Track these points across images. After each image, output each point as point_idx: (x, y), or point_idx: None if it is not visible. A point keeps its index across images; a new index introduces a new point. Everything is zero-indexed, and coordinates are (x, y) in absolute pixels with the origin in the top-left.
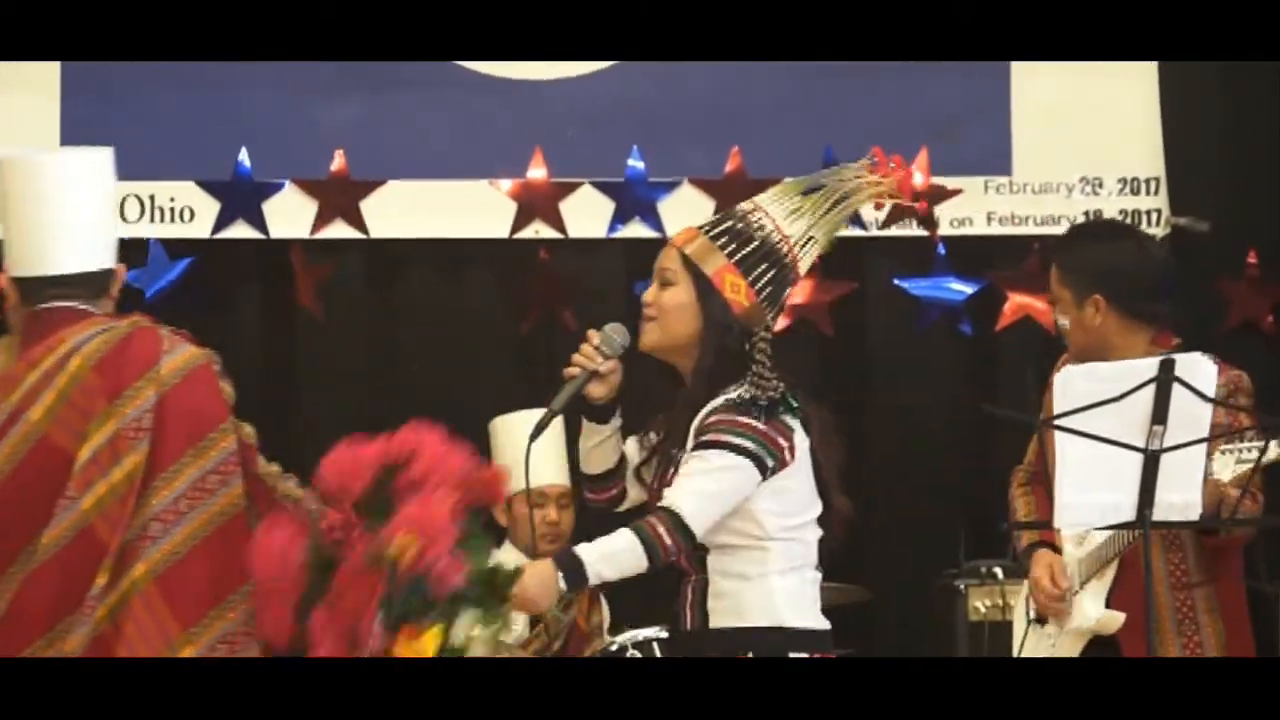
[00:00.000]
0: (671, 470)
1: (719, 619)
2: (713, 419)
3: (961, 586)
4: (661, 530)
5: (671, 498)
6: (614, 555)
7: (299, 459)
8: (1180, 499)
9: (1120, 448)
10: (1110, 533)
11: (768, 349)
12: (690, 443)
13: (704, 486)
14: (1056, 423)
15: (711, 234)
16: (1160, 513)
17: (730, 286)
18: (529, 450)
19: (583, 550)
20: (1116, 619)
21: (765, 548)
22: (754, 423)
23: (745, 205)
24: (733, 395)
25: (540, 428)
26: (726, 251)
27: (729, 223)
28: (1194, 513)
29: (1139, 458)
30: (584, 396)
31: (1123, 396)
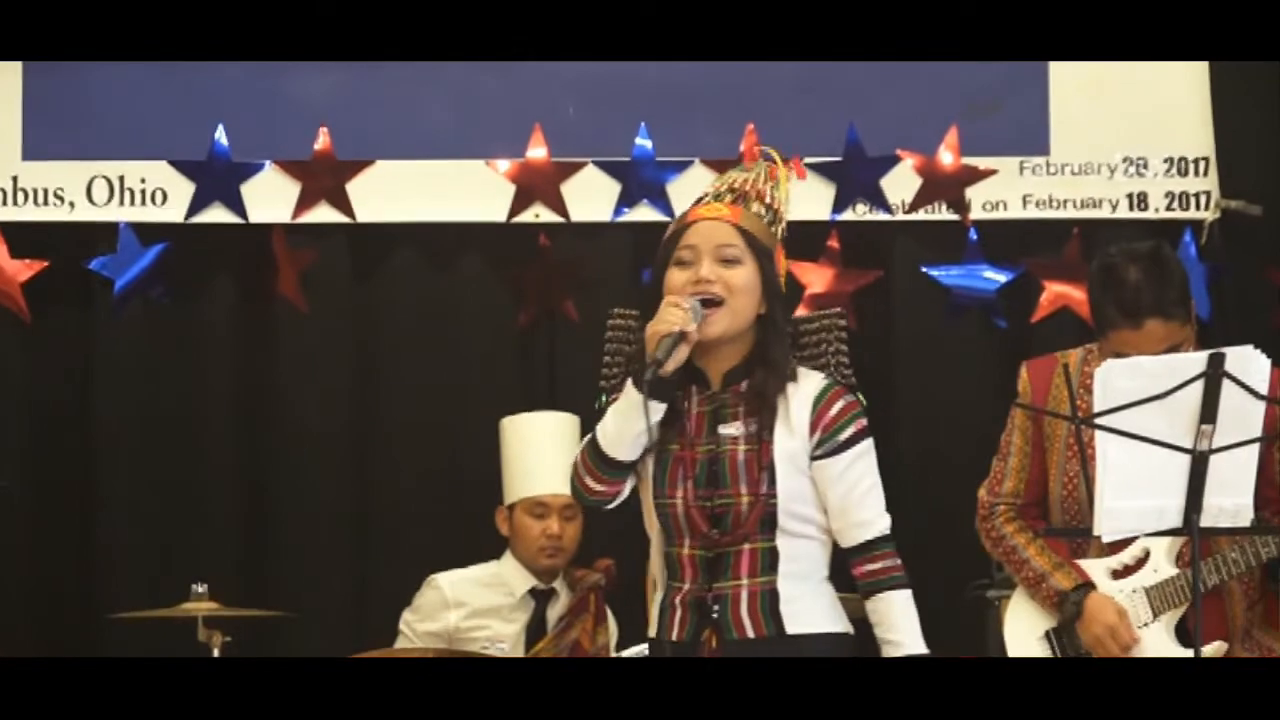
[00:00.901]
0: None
1: (795, 624)
2: (841, 407)
3: (993, 598)
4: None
5: (870, 518)
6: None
7: (282, 460)
8: (1231, 504)
9: (1166, 449)
10: (1174, 562)
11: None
12: (810, 437)
13: (879, 489)
14: (1098, 422)
15: (752, 208)
16: (1209, 518)
17: (780, 265)
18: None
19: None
20: (1219, 651)
21: (824, 541)
22: (861, 401)
23: (741, 175)
24: (827, 380)
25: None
26: (769, 225)
27: (751, 193)
28: (1245, 518)
29: (1186, 459)
30: (648, 366)
31: (1168, 393)
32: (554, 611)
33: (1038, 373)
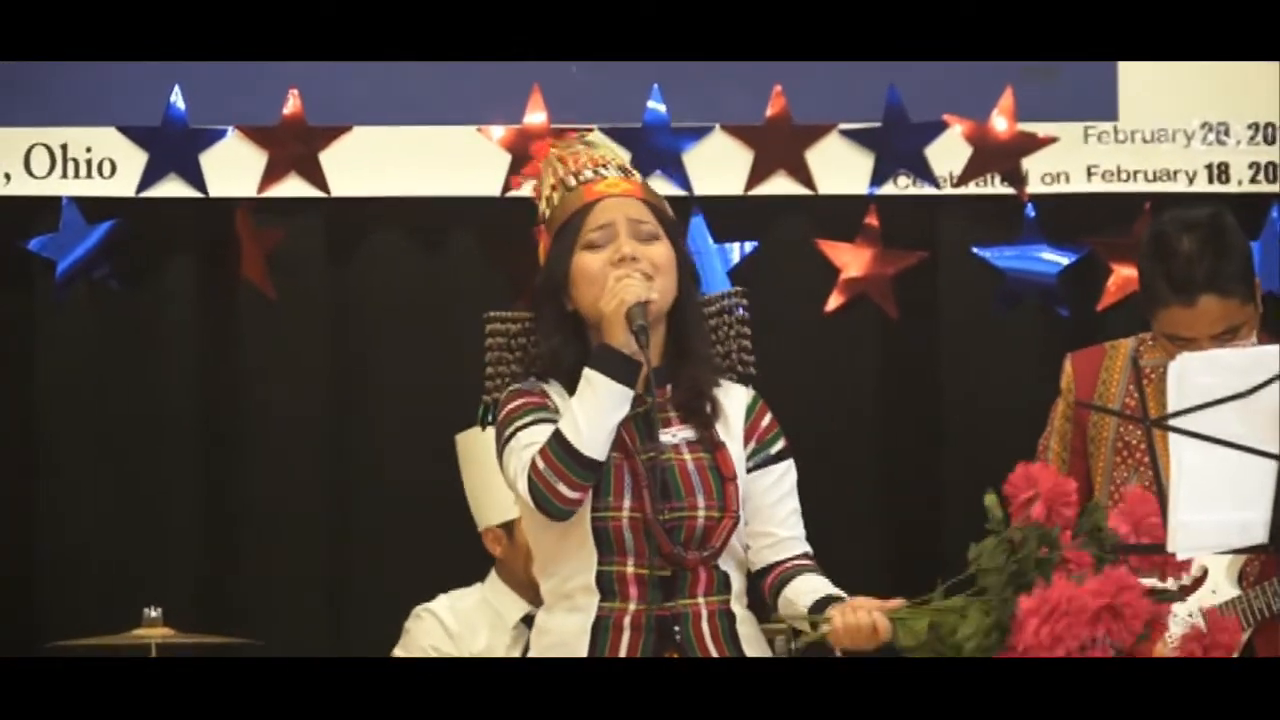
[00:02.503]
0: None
1: (750, 648)
2: (770, 417)
3: None
4: None
5: (799, 535)
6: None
7: (247, 467)
8: None
9: (1249, 454)
10: (1236, 582)
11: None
12: (745, 446)
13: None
14: (1171, 424)
15: (637, 175)
16: None
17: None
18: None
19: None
20: None
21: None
22: None
23: (599, 152)
24: (745, 393)
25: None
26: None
27: (628, 168)
28: None
29: (1273, 467)
30: (610, 348)
31: (1251, 392)
32: None
33: (1084, 366)
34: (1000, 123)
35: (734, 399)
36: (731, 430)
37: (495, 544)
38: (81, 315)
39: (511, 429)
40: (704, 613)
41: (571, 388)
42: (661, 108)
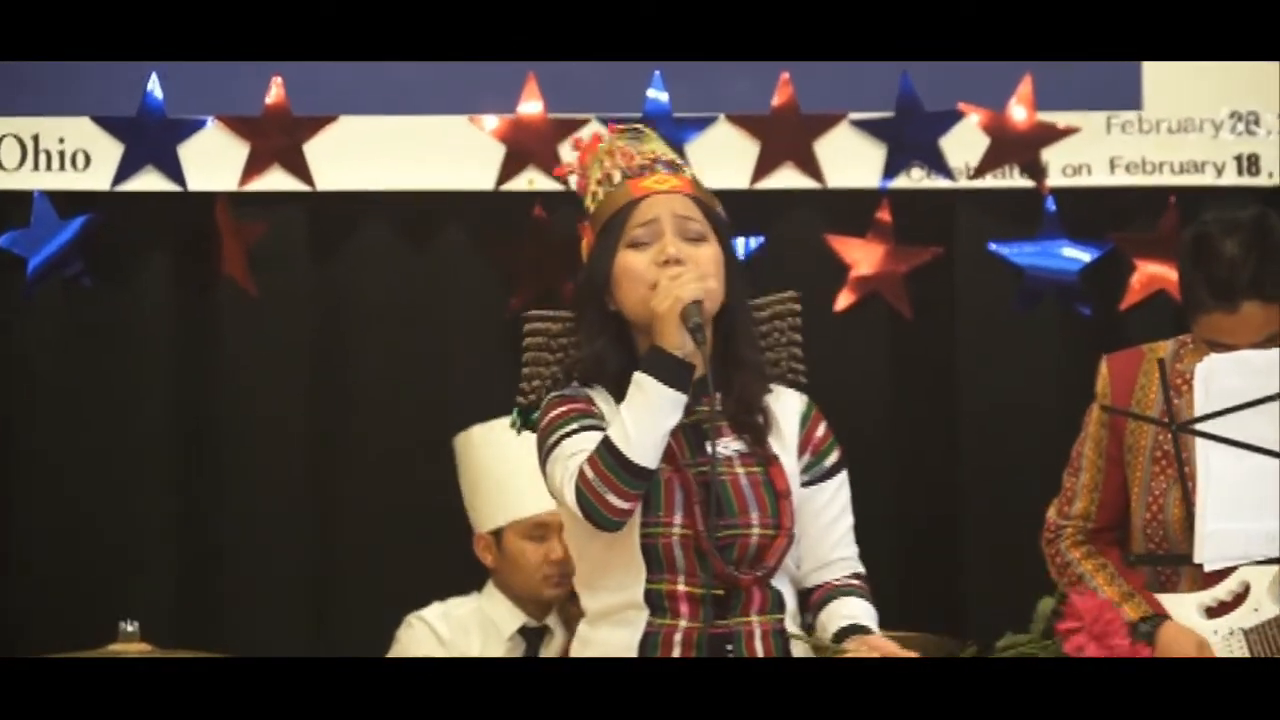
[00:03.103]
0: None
1: None
2: (825, 427)
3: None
4: None
5: (853, 555)
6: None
7: (227, 474)
8: None
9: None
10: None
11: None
12: (799, 458)
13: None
14: (1198, 428)
15: (688, 171)
16: None
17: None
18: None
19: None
20: None
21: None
22: None
23: (648, 146)
24: (799, 400)
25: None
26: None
27: (679, 163)
28: None
29: None
30: (662, 350)
31: None
32: (548, 652)
33: (1120, 369)
34: (1019, 112)
35: (787, 406)
36: (785, 441)
37: (486, 552)
38: (54, 314)
39: (556, 436)
40: (758, 632)
41: (616, 393)
42: (663, 96)
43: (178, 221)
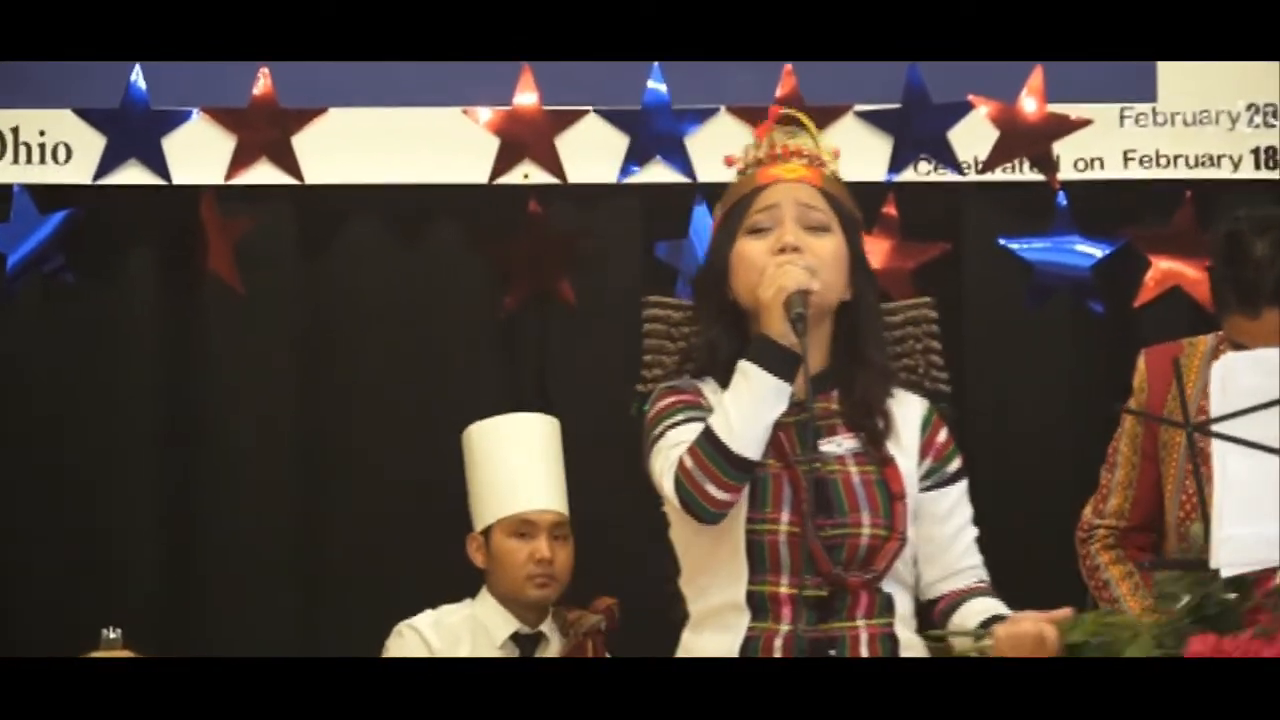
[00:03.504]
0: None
1: None
2: (945, 435)
3: None
4: None
5: (978, 563)
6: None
7: (213, 476)
8: None
9: None
10: None
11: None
12: (920, 463)
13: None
14: (1215, 429)
15: (828, 171)
16: None
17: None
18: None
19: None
20: None
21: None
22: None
23: (791, 139)
24: (921, 404)
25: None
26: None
27: (817, 157)
28: None
29: None
30: (767, 338)
31: None
32: None
33: (1157, 364)
34: (1029, 104)
35: (909, 409)
36: (903, 444)
37: (478, 553)
38: (34, 312)
39: (661, 427)
40: (864, 637)
41: (726, 383)
42: (662, 88)
43: (162, 217)
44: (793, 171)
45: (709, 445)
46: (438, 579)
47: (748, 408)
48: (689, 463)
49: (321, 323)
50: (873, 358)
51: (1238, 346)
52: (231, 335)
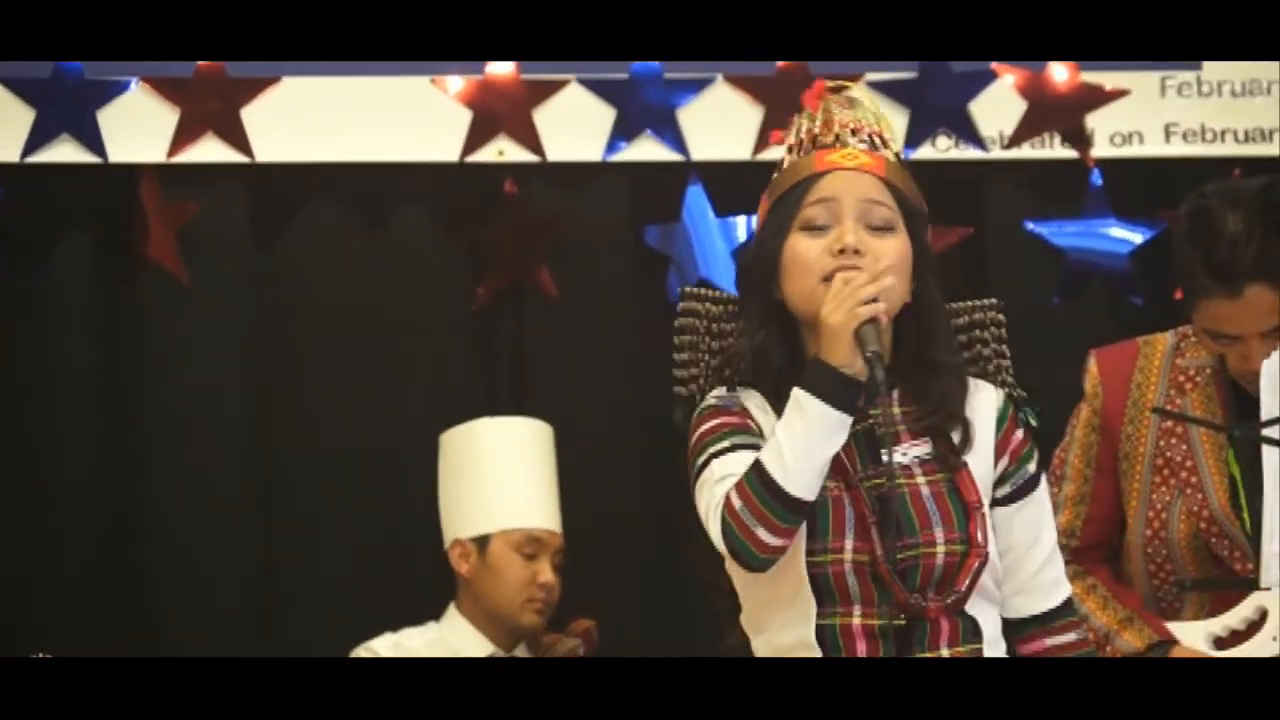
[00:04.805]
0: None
1: None
2: (1023, 433)
3: None
4: None
5: (1060, 575)
6: None
7: (155, 484)
8: None
9: None
10: None
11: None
12: (995, 466)
13: None
14: (1265, 434)
15: (889, 156)
16: None
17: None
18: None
19: None
20: None
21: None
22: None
23: (850, 114)
24: (998, 390)
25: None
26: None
27: (878, 139)
28: None
29: None
30: (827, 365)
31: None
32: None
33: (1112, 365)
34: (1060, 72)
35: (982, 401)
36: (977, 444)
37: (463, 560)
38: None
39: (705, 455)
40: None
41: (776, 399)
42: None
43: (97, 198)
44: (852, 158)
45: (759, 484)
46: (395, 588)
47: (802, 443)
48: (737, 502)
49: (274, 316)
50: (945, 360)
51: (1214, 336)
52: (174, 330)
